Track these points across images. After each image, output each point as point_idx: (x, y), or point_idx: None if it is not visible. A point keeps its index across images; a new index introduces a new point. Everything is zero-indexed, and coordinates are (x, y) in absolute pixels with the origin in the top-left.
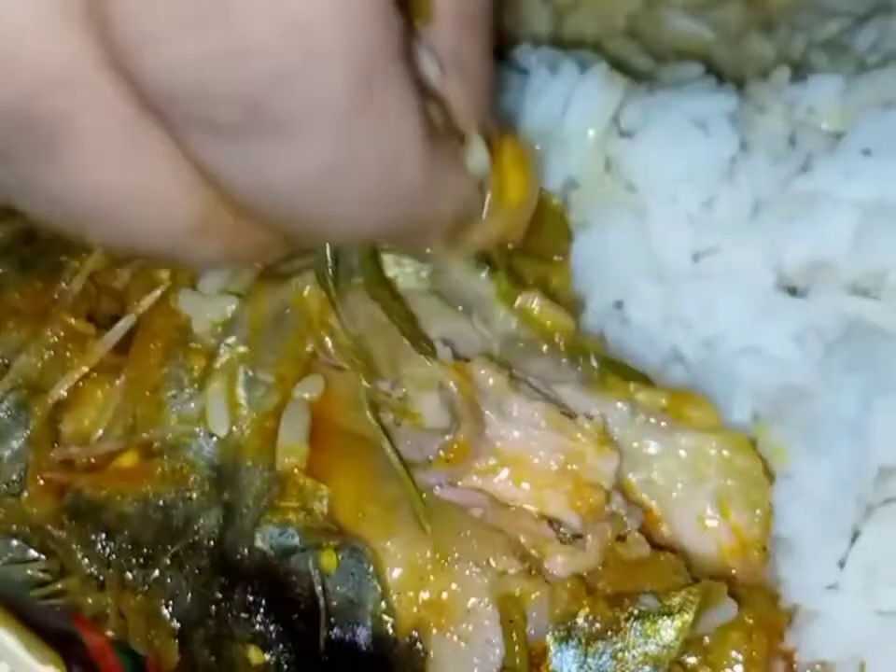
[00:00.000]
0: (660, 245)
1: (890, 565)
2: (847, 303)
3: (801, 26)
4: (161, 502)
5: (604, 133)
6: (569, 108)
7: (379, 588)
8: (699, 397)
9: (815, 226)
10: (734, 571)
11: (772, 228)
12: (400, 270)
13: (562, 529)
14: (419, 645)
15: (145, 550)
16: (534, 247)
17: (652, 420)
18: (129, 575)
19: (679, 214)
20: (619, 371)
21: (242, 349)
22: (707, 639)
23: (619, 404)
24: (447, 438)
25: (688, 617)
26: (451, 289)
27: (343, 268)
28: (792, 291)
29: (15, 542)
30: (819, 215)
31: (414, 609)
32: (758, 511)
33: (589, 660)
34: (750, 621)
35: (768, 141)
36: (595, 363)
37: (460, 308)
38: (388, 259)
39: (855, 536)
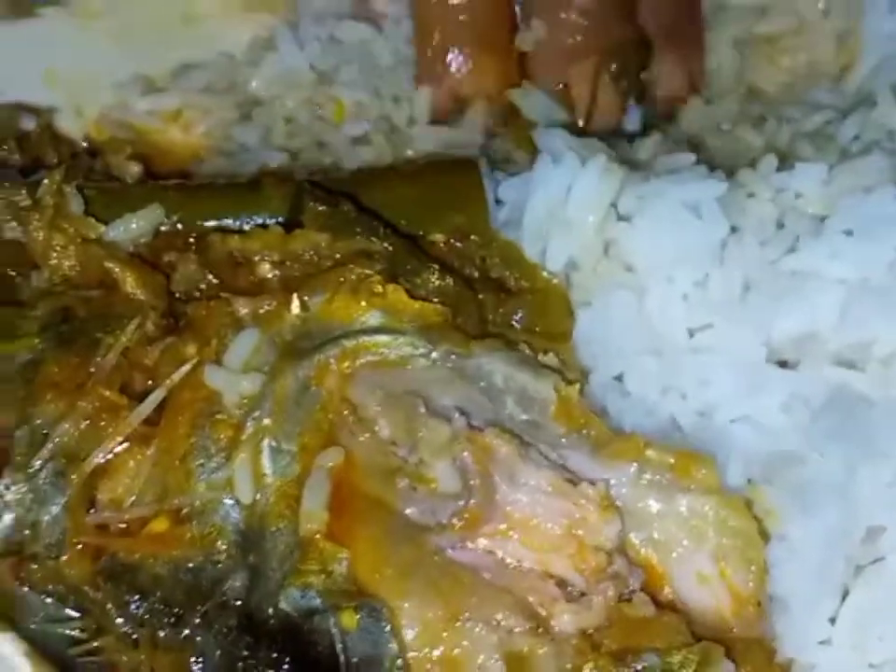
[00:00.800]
0: (657, 321)
1: (879, 620)
2: (833, 373)
3: (788, 118)
4: (190, 565)
5: (603, 219)
6: (571, 196)
7: (396, 646)
8: (703, 456)
9: (802, 302)
10: (731, 626)
11: (761, 305)
12: (412, 350)
13: (568, 588)
14: None
15: (176, 610)
16: (541, 325)
17: (657, 478)
18: (161, 633)
19: (674, 293)
20: None
21: (267, 421)
22: None
23: (626, 467)
24: (460, 504)
25: None
26: (474, 372)
27: None
28: (782, 364)
29: (49, 601)
30: (806, 292)
31: (428, 666)
32: (753, 569)
33: None
34: None
35: (757, 224)
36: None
37: (480, 382)
38: (403, 341)
39: (845, 594)
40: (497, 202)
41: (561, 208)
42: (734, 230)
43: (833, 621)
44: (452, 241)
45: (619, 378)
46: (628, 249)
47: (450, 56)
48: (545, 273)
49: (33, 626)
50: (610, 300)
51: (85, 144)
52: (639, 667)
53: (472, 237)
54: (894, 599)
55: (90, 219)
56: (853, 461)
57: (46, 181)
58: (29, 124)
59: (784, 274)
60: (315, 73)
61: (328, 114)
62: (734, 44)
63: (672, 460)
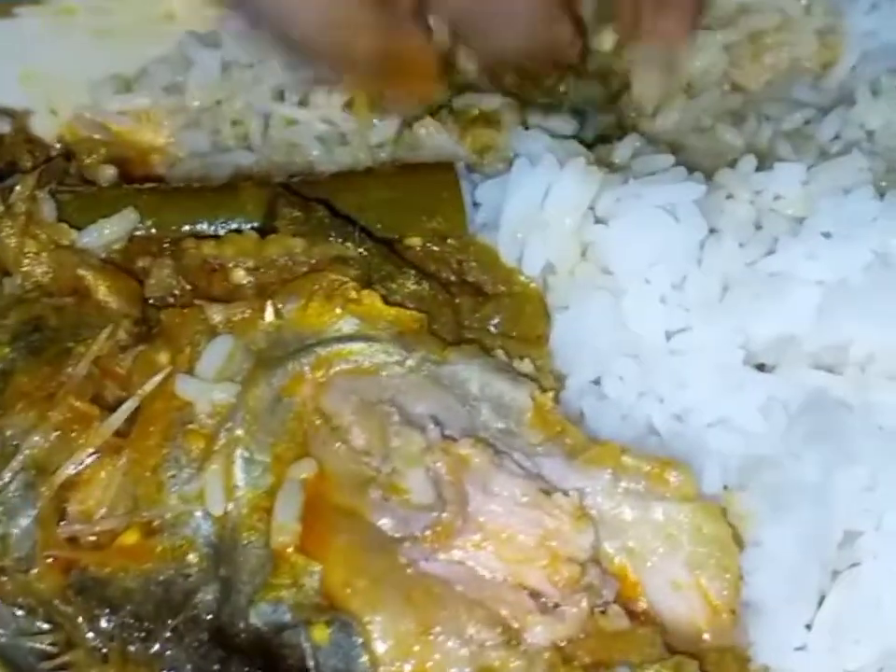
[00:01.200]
0: (635, 324)
1: (856, 625)
2: (810, 377)
3: (769, 116)
4: (161, 578)
5: (580, 222)
6: (548, 198)
7: (368, 660)
8: (679, 464)
9: (779, 304)
10: (705, 635)
11: (739, 307)
12: (386, 357)
13: (542, 599)
14: None
15: (146, 624)
16: (517, 330)
17: (633, 486)
18: (131, 648)
19: (652, 295)
20: None
21: (239, 431)
22: None
23: (602, 474)
24: (433, 515)
25: None
26: (449, 379)
27: None
28: (760, 367)
29: (20, 613)
30: (783, 294)
31: None
32: (728, 577)
33: None
34: None
35: (735, 226)
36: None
37: (455, 389)
38: (378, 348)
39: (821, 599)
40: (475, 204)
41: (538, 211)
42: (712, 231)
43: (808, 627)
44: (428, 245)
45: (596, 382)
46: (605, 252)
47: None
48: (522, 277)
49: (2, 640)
50: (587, 303)
51: (58, 146)
52: None
53: (449, 241)
54: (870, 604)
55: (63, 226)
56: (830, 465)
57: (19, 187)
58: (3, 127)
59: (762, 276)
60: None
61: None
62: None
63: (648, 467)
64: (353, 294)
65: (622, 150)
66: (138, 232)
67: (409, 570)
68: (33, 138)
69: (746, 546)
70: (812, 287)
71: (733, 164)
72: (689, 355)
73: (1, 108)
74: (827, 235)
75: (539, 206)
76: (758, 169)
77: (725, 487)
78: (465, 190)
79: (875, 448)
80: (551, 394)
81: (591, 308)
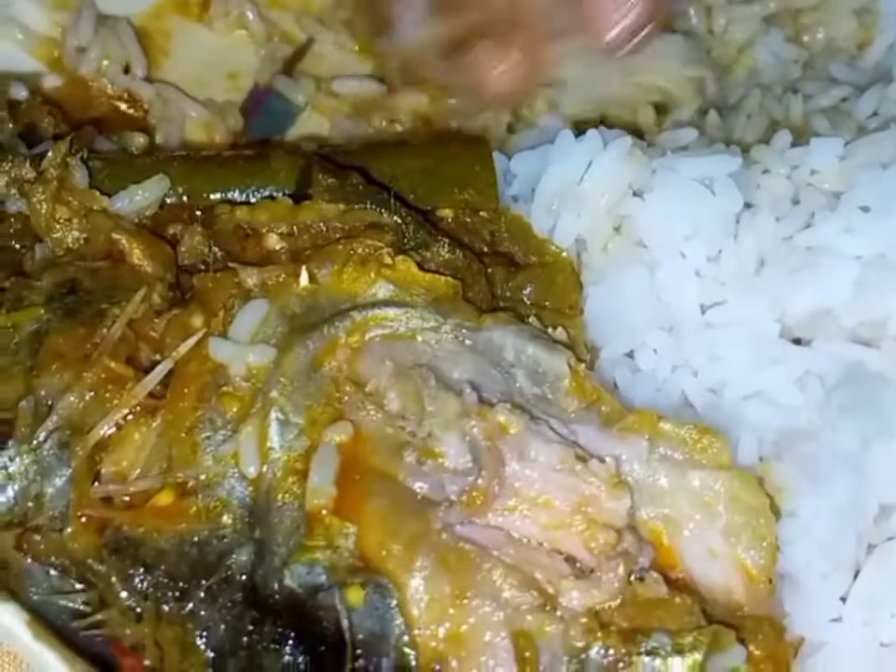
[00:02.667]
0: (670, 297)
1: (891, 598)
2: (847, 350)
3: (805, 94)
4: (195, 539)
5: (617, 199)
6: (589, 174)
7: (402, 623)
8: (716, 431)
9: (817, 278)
10: (742, 603)
11: (775, 281)
12: (422, 322)
13: (577, 565)
14: None
15: (180, 584)
16: (549, 300)
17: (669, 453)
18: (165, 607)
19: (687, 269)
20: None
21: (274, 394)
22: None
23: (638, 442)
24: (469, 479)
25: (699, 656)
26: (484, 346)
27: None
28: (796, 340)
29: (53, 573)
30: (820, 268)
31: (434, 644)
32: (764, 545)
33: None
34: (758, 652)
35: (772, 200)
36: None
37: (491, 355)
38: (413, 313)
39: (857, 571)
40: (506, 180)
41: (576, 185)
42: (748, 206)
43: (843, 599)
44: (460, 216)
45: (630, 355)
46: (641, 225)
47: None
48: (553, 248)
49: (35, 598)
50: (622, 276)
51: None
52: (649, 647)
53: (481, 213)
54: None
55: (94, 192)
56: (867, 438)
57: (50, 153)
58: (20, 92)
59: (798, 250)
60: None
61: None
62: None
63: (685, 434)
64: (388, 260)
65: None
66: (169, 200)
67: (444, 534)
68: (48, 99)
69: (782, 517)
70: (849, 261)
71: (768, 140)
72: (724, 328)
73: (14, 73)
74: (865, 209)
75: (577, 180)
76: (794, 145)
77: (761, 459)
78: (497, 164)
79: None
80: (586, 361)
81: (625, 281)
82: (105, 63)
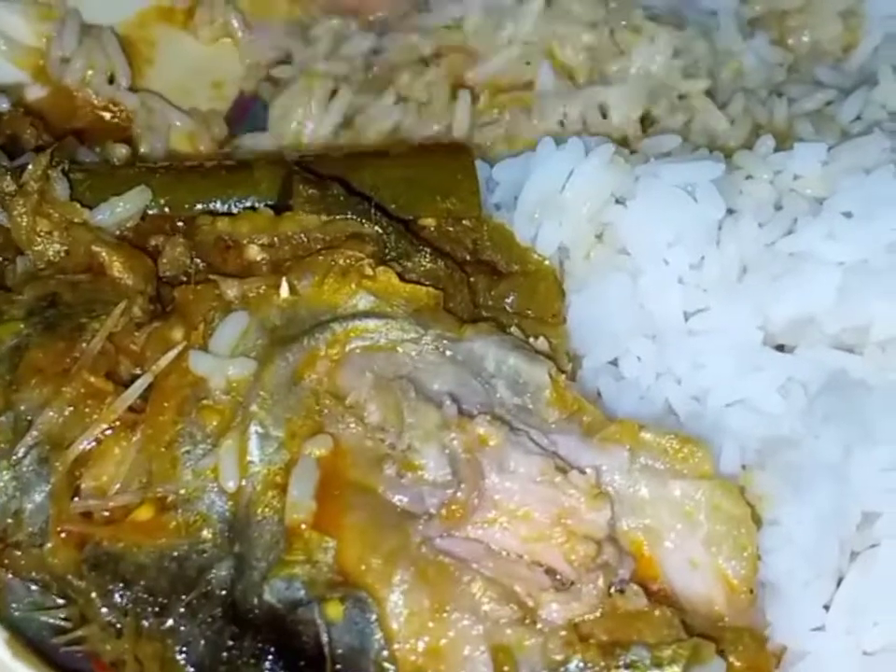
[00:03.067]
0: (653, 305)
1: (874, 607)
2: (830, 357)
3: (789, 98)
4: (175, 554)
5: (599, 207)
6: (571, 182)
7: (382, 637)
8: (697, 441)
9: (799, 284)
10: (723, 614)
11: (758, 287)
12: (402, 334)
13: (557, 577)
14: None
15: (160, 599)
16: (532, 308)
17: (650, 463)
18: (145, 623)
19: (670, 275)
20: None
21: (254, 407)
22: None
23: (619, 452)
24: (448, 492)
25: (678, 669)
26: (465, 356)
27: None
28: (779, 347)
29: (34, 588)
30: (803, 274)
31: (413, 658)
32: (746, 555)
33: None
34: (739, 664)
35: (755, 206)
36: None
37: (471, 365)
38: (393, 325)
39: (839, 580)
40: (488, 188)
41: (558, 193)
42: (730, 212)
43: (826, 608)
44: (443, 225)
45: (613, 363)
46: (623, 232)
47: None
48: (536, 256)
49: (16, 614)
50: (604, 284)
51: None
52: (628, 661)
53: (464, 222)
54: (889, 586)
55: (75, 204)
56: (849, 445)
57: (31, 166)
58: (1, 104)
59: (781, 256)
60: None
61: None
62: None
63: (666, 444)
64: (368, 271)
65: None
66: (151, 211)
67: (423, 547)
68: (31, 111)
69: (764, 525)
70: (832, 267)
71: (750, 146)
72: (707, 335)
73: None
74: (848, 215)
75: (559, 188)
76: (777, 150)
77: (744, 467)
78: (479, 172)
79: (895, 428)
80: (568, 371)
81: (608, 289)
82: (90, 73)
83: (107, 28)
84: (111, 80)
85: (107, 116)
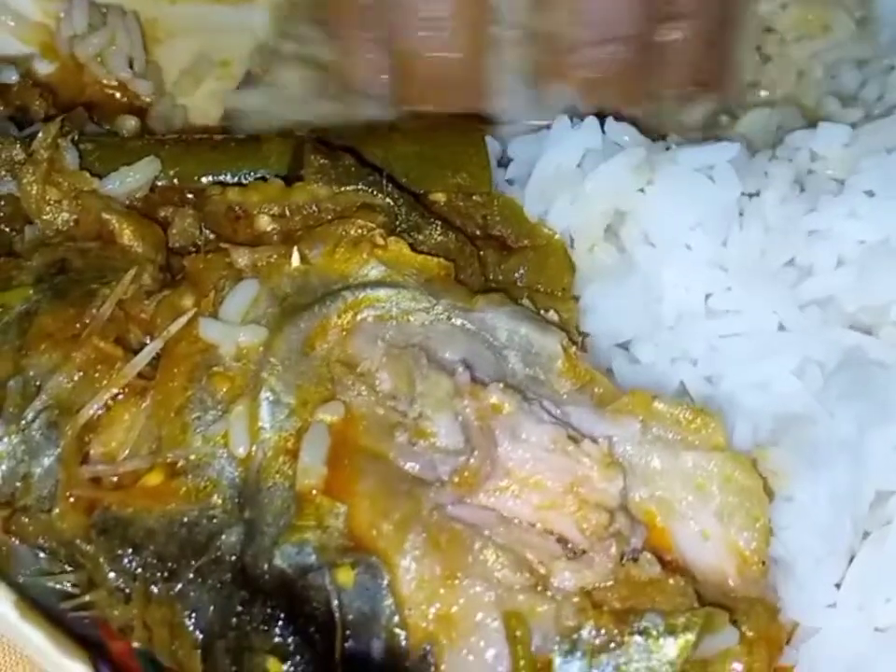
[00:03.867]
0: (674, 291)
1: (886, 584)
2: (847, 336)
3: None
4: (185, 519)
5: (613, 188)
6: (594, 175)
7: (392, 603)
8: (710, 412)
9: (819, 263)
10: (735, 584)
11: (778, 267)
12: (414, 303)
13: (569, 545)
14: (430, 658)
15: (169, 564)
16: (542, 283)
17: (663, 434)
18: (154, 588)
19: (693, 259)
20: None
21: (265, 374)
22: None
23: (631, 422)
24: (461, 459)
25: (691, 637)
26: (477, 326)
27: None
28: (797, 327)
29: (42, 554)
30: (823, 253)
31: (424, 624)
32: (758, 526)
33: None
34: (751, 633)
35: (776, 186)
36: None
37: (483, 335)
38: (405, 294)
39: (852, 558)
40: (500, 164)
41: (570, 172)
42: (753, 193)
43: (838, 585)
44: (453, 199)
45: (625, 345)
46: (644, 219)
47: None
48: (546, 230)
49: (23, 579)
50: (623, 273)
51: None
52: (641, 627)
53: (474, 197)
54: None
55: (84, 173)
56: (864, 423)
57: (41, 134)
58: (10, 76)
59: (802, 234)
60: None
61: None
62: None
63: (679, 415)
64: (380, 240)
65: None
66: (160, 182)
67: (435, 514)
68: (40, 82)
69: (777, 501)
70: (853, 245)
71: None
72: (726, 316)
73: (5, 57)
74: (870, 194)
75: (573, 167)
76: (800, 130)
77: (757, 445)
78: (490, 149)
79: None
80: (579, 343)
81: (625, 273)
82: (112, 48)
83: (131, 12)
84: (131, 64)
85: (118, 95)
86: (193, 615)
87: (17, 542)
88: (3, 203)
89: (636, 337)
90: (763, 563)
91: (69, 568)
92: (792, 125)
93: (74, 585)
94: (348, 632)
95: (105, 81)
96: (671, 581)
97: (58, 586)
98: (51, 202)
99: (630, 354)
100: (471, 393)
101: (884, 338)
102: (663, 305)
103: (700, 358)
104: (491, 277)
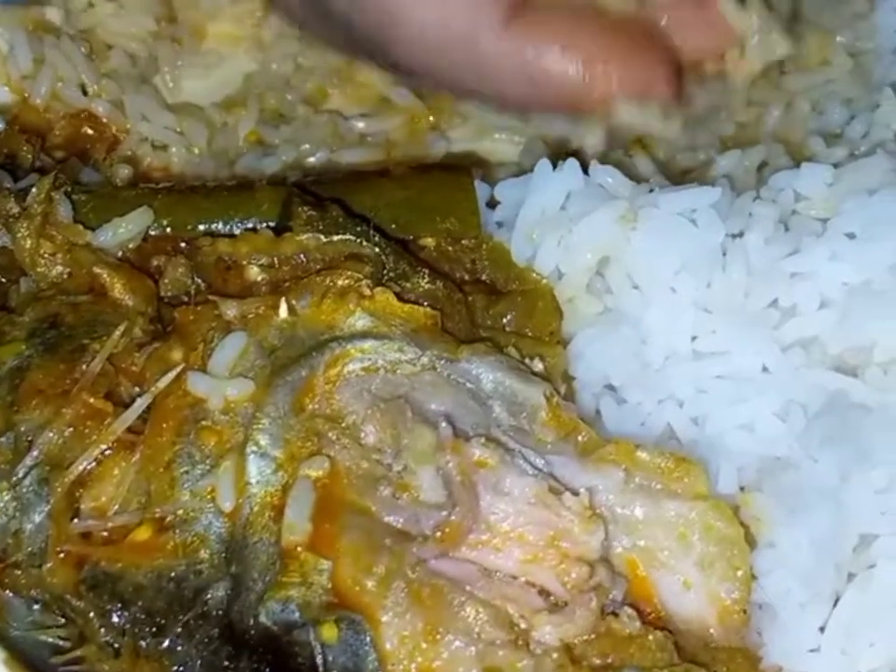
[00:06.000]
0: (660, 334)
1: (870, 628)
2: (830, 379)
3: (800, 114)
4: (172, 574)
5: (600, 230)
6: (570, 205)
7: (376, 658)
8: (692, 461)
9: (803, 305)
10: (716, 634)
11: (762, 309)
12: (400, 355)
13: (550, 598)
14: None
15: (157, 619)
16: (530, 327)
17: (646, 483)
18: (142, 643)
19: (678, 303)
20: None
21: (252, 428)
22: None
23: (614, 472)
24: (443, 514)
25: None
26: (462, 376)
27: None
28: (782, 369)
29: (36, 607)
30: (806, 295)
31: None
32: (739, 575)
33: None
34: None
35: (759, 227)
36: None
37: (468, 386)
38: (391, 346)
39: (836, 602)
40: (489, 205)
41: (556, 214)
42: (736, 234)
43: (822, 629)
44: (442, 244)
45: (612, 387)
46: (628, 263)
47: None
48: (534, 274)
49: (15, 633)
50: (609, 319)
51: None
52: None
53: (463, 241)
54: (885, 607)
55: (78, 226)
56: (847, 467)
57: (35, 189)
58: None
59: (785, 276)
60: None
61: None
62: None
63: (662, 464)
64: (366, 291)
65: None
66: (153, 232)
67: (418, 569)
68: (26, 128)
69: (760, 547)
70: (835, 288)
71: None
72: (711, 358)
73: None
74: (851, 236)
75: (556, 209)
76: (783, 170)
77: (742, 489)
78: (479, 193)
79: (892, 450)
80: (563, 392)
81: (612, 317)
82: (58, 86)
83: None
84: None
85: (86, 128)
86: (181, 670)
87: (10, 594)
88: None
89: (623, 379)
90: (745, 612)
91: (61, 621)
92: (777, 162)
93: (65, 639)
94: None
95: (69, 114)
96: (651, 636)
97: (49, 640)
98: (45, 255)
99: (617, 395)
100: (454, 447)
101: (868, 380)
102: (649, 347)
103: (686, 400)
104: (479, 322)
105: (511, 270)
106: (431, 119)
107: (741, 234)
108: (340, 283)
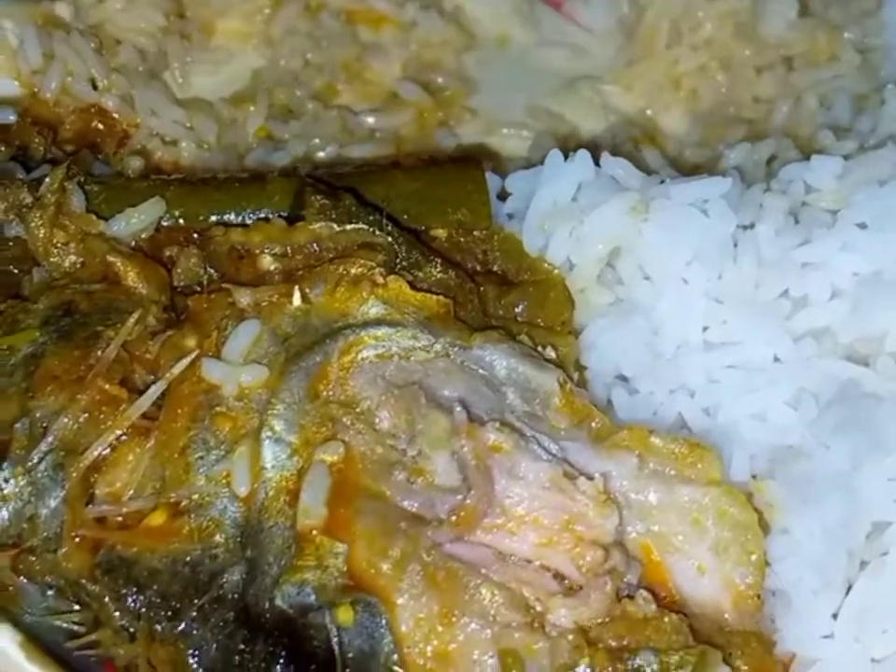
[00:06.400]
0: (672, 325)
1: (883, 614)
2: (842, 368)
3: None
4: (188, 558)
5: (611, 221)
6: (581, 196)
7: (391, 641)
8: (706, 446)
9: (814, 296)
10: (730, 619)
11: (773, 299)
12: (413, 342)
13: (566, 581)
14: None
15: (172, 603)
16: (542, 317)
17: (660, 468)
18: (158, 627)
19: (690, 294)
20: None
21: (267, 413)
22: None
23: (628, 457)
24: (458, 498)
25: None
26: (475, 363)
27: None
28: (792, 358)
29: (50, 592)
30: (817, 285)
31: (423, 661)
32: (753, 559)
33: None
34: (745, 667)
35: (770, 218)
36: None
37: (481, 372)
38: (404, 333)
39: (848, 588)
40: (500, 197)
41: (567, 204)
42: (748, 226)
43: (835, 616)
44: (453, 235)
45: (624, 378)
46: (640, 255)
47: None
48: (546, 265)
49: (30, 619)
50: (621, 310)
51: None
52: (635, 665)
53: (474, 232)
54: None
55: (91, 216)
56: (859, 455)
57: (48, 179)
58: (9, 117)
59: (796, 267)
60: None
61: None
62: None
63: (675, 449)
64: (380, 279)
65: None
66: (165, 223)
67: (433, 553)
68: (38, 121)
69: (773, 533)
70: (847, 278)
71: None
72: (722, 348)
73: (2, 98)
74: (862, 226)
75: (567, 200)
76: (794, 162)
77: (754, 477)
78: (490, 185)
79: None
80: (575, 379)
81: (624, 308)
82: (67, 81)
83: (74, 29)
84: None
85: (95, 121)
86: (196, 654)
87: (24, 581)
88: (11, 245)
89: (635, 369)
90: (758, 597)
91: (76, 606)
92: (786, 156)
93: (79, 624)
94: (348, 670)
95: (79, 109)
96: (666, 618)
97: (64, 625)
98: (58, 244)
99: (629, 385)
100: (468, 432)
101: (880, 369)
102: (661, 338)
103: (698, 390)
104: (491, 312)
105: (523, 260)
106: (440, 114)
107: (752, 225)
108: (353, 271)
